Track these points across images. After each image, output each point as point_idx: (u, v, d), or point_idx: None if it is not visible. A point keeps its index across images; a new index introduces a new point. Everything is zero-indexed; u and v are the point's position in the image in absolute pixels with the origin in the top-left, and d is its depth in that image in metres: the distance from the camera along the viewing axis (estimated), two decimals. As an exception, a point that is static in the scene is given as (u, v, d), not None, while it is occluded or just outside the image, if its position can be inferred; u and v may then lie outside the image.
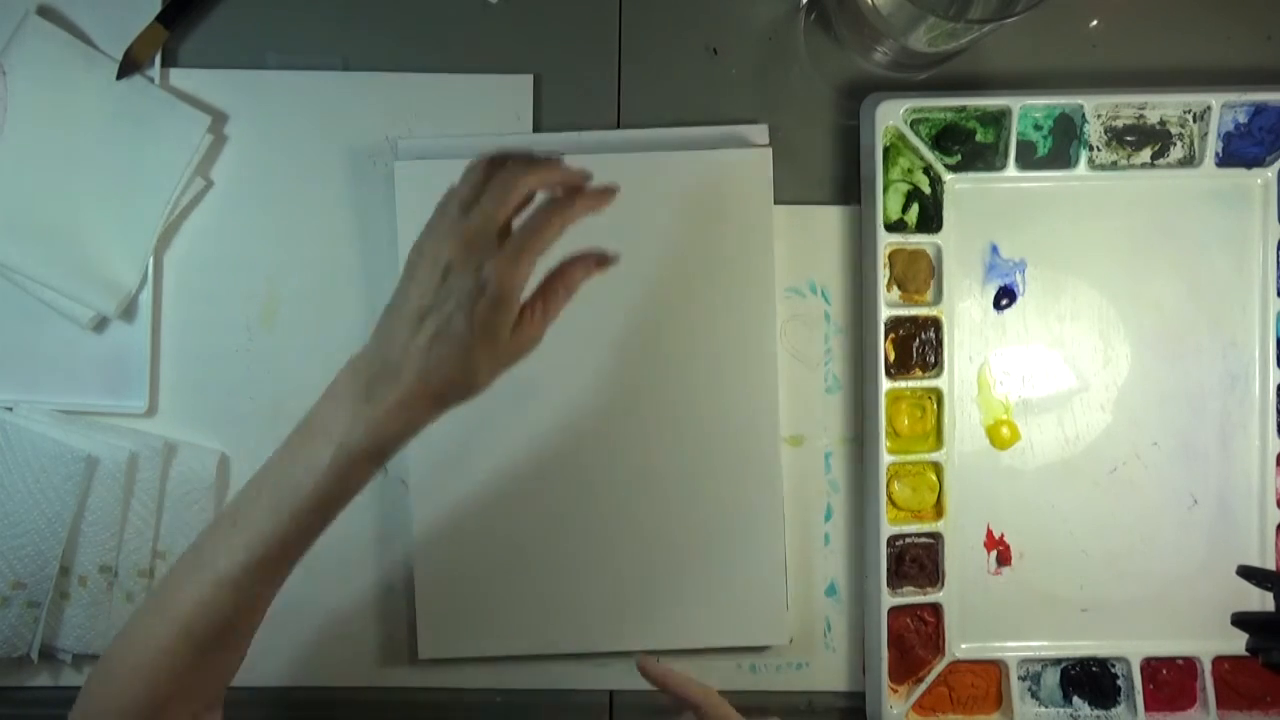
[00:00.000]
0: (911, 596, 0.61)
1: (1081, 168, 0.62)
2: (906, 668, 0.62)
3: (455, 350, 0.45)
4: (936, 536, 0.62)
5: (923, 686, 0.61)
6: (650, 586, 0.62)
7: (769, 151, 0.61)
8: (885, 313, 0.61)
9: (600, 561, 0.61)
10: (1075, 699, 0.62)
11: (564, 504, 0.61)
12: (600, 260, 0.50)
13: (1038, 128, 0.62)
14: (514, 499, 0.62)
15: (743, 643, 0.62)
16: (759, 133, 0.63)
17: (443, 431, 0.60)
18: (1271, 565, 0.62)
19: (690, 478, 0.61)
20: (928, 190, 0.62)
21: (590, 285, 0.61)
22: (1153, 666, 0.62)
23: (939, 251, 0.62)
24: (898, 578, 0.61)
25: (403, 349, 0.46)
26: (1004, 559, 0.62)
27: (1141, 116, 0.62)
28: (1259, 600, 0.58)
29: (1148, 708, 0.62)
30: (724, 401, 0.61)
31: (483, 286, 0.45)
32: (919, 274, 0.62)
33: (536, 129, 0.63)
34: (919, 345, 0.62)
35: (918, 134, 0.61)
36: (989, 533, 0.62)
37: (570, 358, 0.61)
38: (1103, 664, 0.62)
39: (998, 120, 0.61)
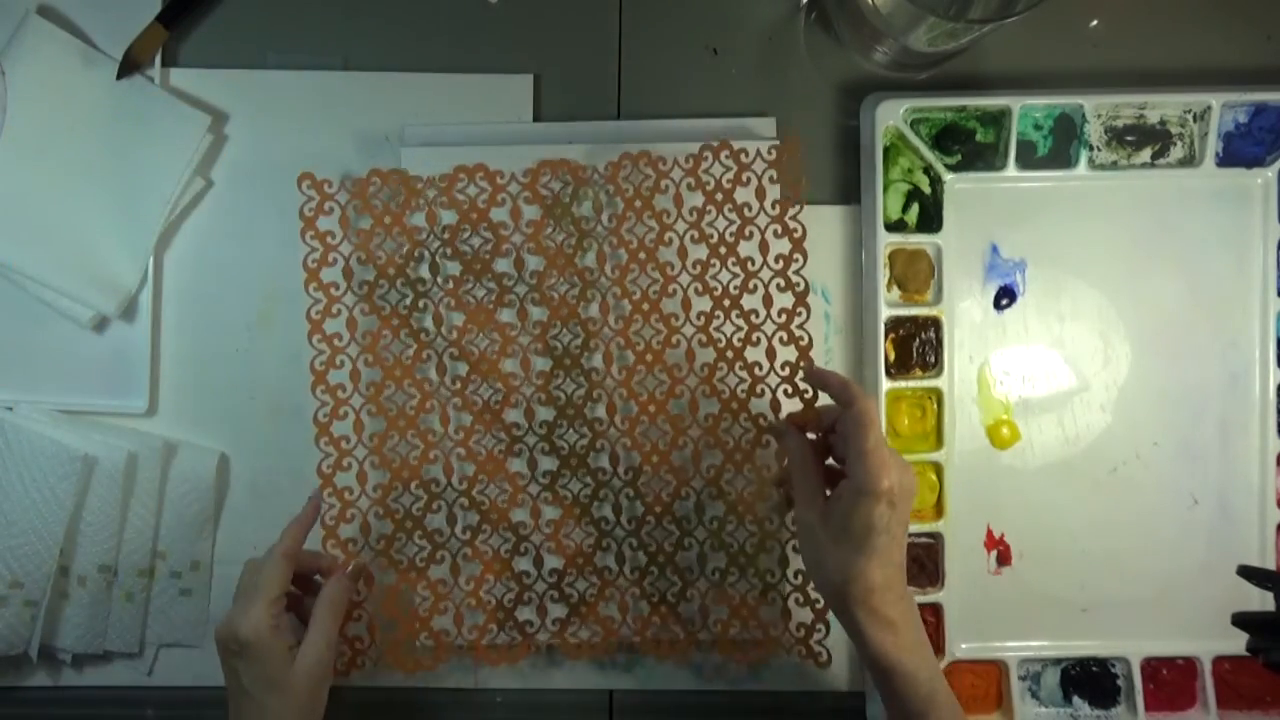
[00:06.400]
0: (911, 596, 0.61)
1: (1081, 168, 0.62)
2: (906, 668, 0.61)
3: (254, 712, 0.53)
4: (936, 536, 0.62)
5: (923, 686, 0.61)
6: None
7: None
8: (885, 313, 0.61)
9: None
10: (1075, 699, 0.62)
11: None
12: (355, 575, 0.59)
13: (1038, 128, 0.62)
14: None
15: (741, 636, 0.62)
16: (766, 125, 0.63)
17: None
18: (1271, 565, 0.62)
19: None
20: (928, 190, 0.62)
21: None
22: (1153, 666, 0.62)
23: (939, 251, 0.62)
24: (898, 578, 0.61)
25: None
26: (1004, 559, 0.62)
27: (1141, 116, 0.62)
28: (1259, 600, 0.58)
29: (1148, 708, 0.62)
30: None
31: (236, 650, 0.53)
32: (919, 274, 0.62)
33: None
34: (919, 345, 0.62)
35: (918, 134, 0.61)
36: (989, 533, 0.62)
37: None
38: (1103, 664, 0.62)
39: (998, 120, 0.61)
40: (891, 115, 0.61)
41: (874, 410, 0.51)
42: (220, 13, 0.64)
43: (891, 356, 0.62)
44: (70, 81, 0.61)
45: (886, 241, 0.61)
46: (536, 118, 0.64)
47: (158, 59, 0.62)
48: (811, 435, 0.57)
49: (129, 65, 0.61)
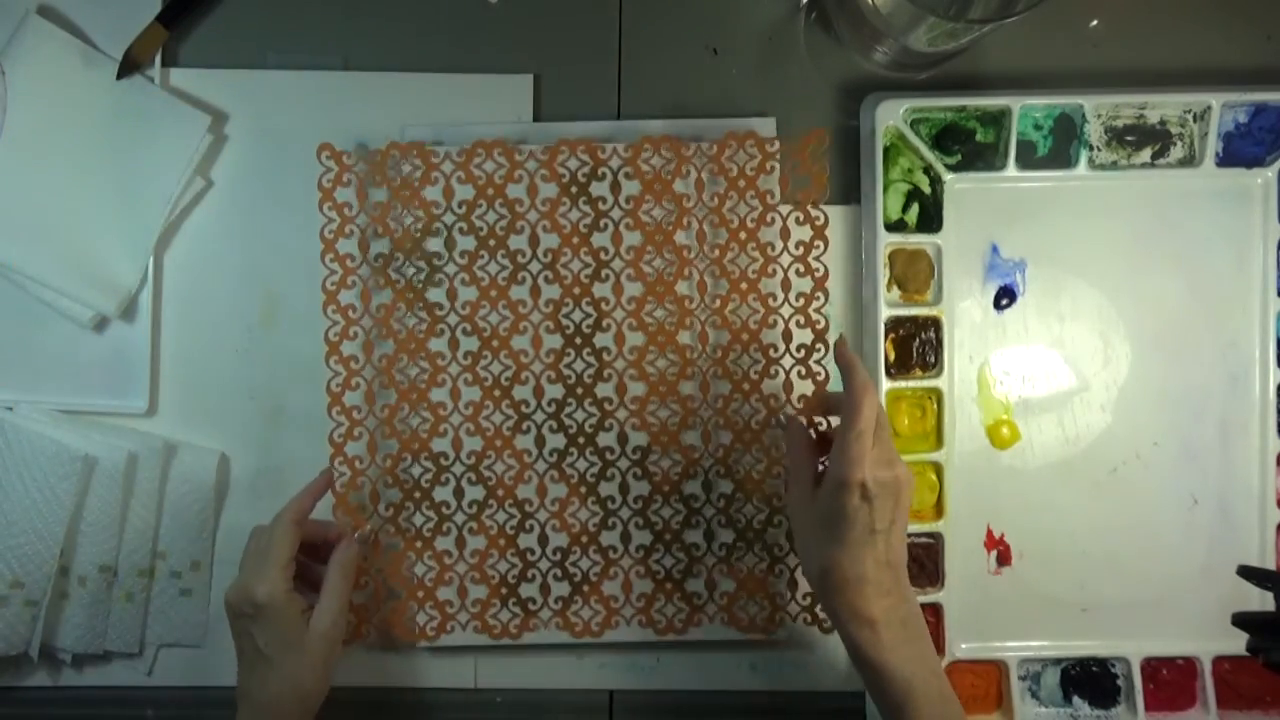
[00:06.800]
0: (911, 596, 0.61)
1: (1081, 167, 0.62)
2: (906, 668, 0.62)
3: (270, 673, 0.54)
4: (936, 536, 0.62)
5: (923, 686, 0.61)
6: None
7: (776, 144, 0.61)
8: (885, 313, 0.61)
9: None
10: (1075, 699, 0.62)
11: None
12: (362, 539, 0.60)
13: (1038, 127, 0.62)
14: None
15: (743, 636, 0.62)
16: (766, 125, 0.63)
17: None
18: (1271, 565, 0.62)
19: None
20: (928, 190, 0.62)
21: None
22: (1153, 666, 0.62)
23: (939, 251, 0.62)
24: (898, 578, 0.61)
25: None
26: (1004, 559, 0.62)
27: (1141, 116, 0.62)
28: (1259, 600, 0.58)
29: (1148, 708, 0.62)
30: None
31: (250, 614, 0.54)
32: (919, 274, 0.62)
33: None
34: (919, 345, 0.62)
35: (918, 134, 0.61)
36: (989, 533, 0.62)
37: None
38: (1103, 664, 0.62)
39: (998, 120, 0.61)
40: (891, 115, 0.61)
41: (868, 400, 0.51)
42: (220, 13, 0.64)
43: (891, 356, 0.62)
44: (70, 81, 0.61)
45: (886, 241, 0.61)
46: (536, 118, 0.64)
47: (158, 59, 0.62)
48: (825, 421, 0.58)
49: (129, 65, 0.61)
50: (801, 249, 0.61)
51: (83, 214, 0.62)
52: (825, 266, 0.61)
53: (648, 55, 0.64)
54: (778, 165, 0.61)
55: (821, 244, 0.61)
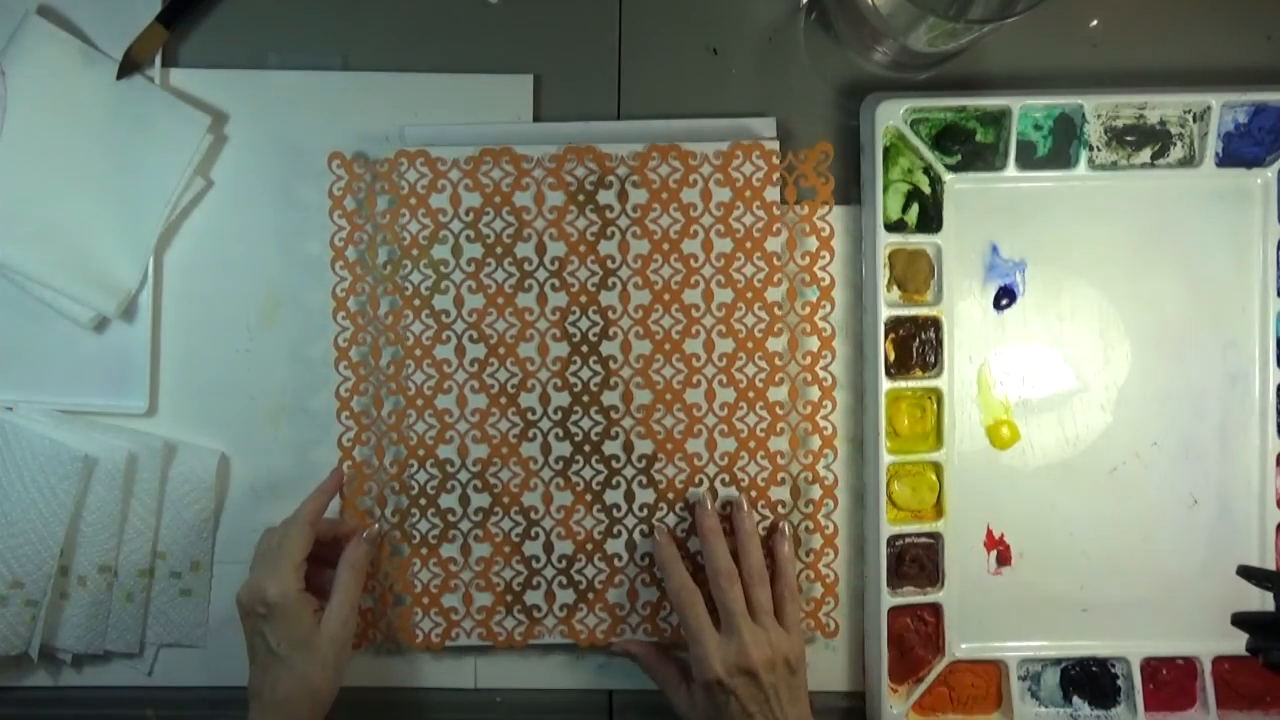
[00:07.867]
0: (911, 596, 0.61)
1: (1081, 168, 0.62)
2: (906, 668, 0.62)
3: (282, 672, 0.54)
4: (936, 536, 0.62)
5: (923, 686, 0.61)
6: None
7: (775, 144, 0.61)
8: (885, 313, 0.61)
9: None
10: (1075, 699, 0.62)
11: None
12: (371, 539, 0.60)
13: (1038, 128, 0.62)
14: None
15: None
16: (766, 125, 0.63)
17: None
18: (1271, 565, 0.62)
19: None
20: (928, 190, 0.62)
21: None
22: (1153, 666, 0.62)
23: (939, 251, 0.62)
24: (898, 578, 0.61)
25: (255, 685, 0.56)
26: (1004, 559, 0.62)
27: (1141, 116, 0.62)
28: (1259, 600, 0.58)
29: (1148, 708, 0.62)
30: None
31: (263, 613, 0.54)
32: (919, 274, 0.62)
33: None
34: (919, 345, 0.62)
35: (918, 134, 0.61)
36: (989, 533, 0.62)
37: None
38: (1103, 664, 0.62)
39: (998, 120, 0.61)
40: (891, 115, 0.61)
41: (685, 606, 0.56)
42: (220, 13, 0.64)
43: (891, 356, 0.62)
44: (70, 81, 0.61)
45: (886, 241, 0.61)
46: (536, 118, 0.64)
47: (158, 59, 0.62)
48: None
49: (129, 65, 0.61)
50: (808, 259, 0.62)
51: (83, 214, 0.62)
52: (831, 276, 0.62)
53: (648, 55, 0.64)
54: (783, 177, 0.61)
55: (827, 254, 0.62)
